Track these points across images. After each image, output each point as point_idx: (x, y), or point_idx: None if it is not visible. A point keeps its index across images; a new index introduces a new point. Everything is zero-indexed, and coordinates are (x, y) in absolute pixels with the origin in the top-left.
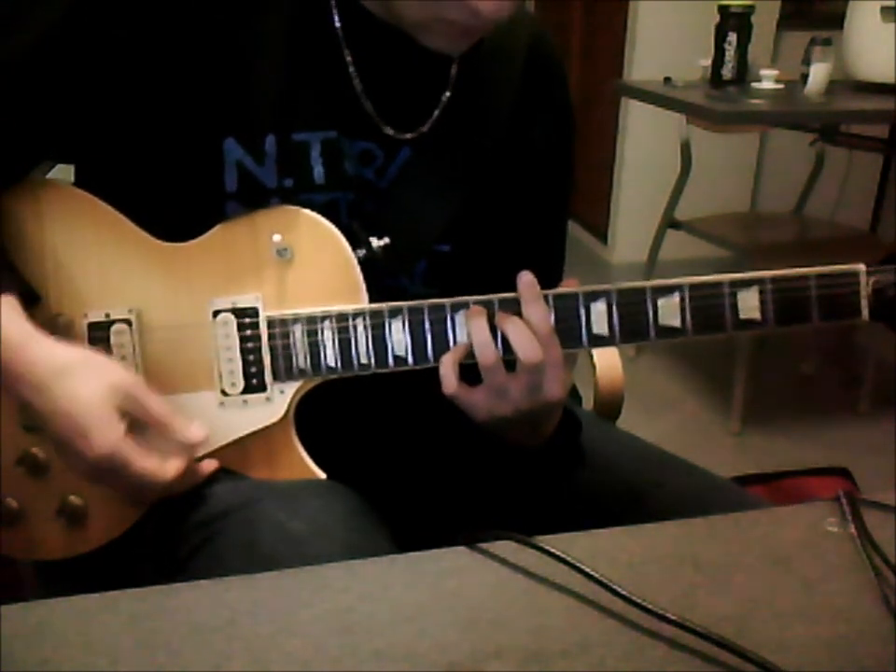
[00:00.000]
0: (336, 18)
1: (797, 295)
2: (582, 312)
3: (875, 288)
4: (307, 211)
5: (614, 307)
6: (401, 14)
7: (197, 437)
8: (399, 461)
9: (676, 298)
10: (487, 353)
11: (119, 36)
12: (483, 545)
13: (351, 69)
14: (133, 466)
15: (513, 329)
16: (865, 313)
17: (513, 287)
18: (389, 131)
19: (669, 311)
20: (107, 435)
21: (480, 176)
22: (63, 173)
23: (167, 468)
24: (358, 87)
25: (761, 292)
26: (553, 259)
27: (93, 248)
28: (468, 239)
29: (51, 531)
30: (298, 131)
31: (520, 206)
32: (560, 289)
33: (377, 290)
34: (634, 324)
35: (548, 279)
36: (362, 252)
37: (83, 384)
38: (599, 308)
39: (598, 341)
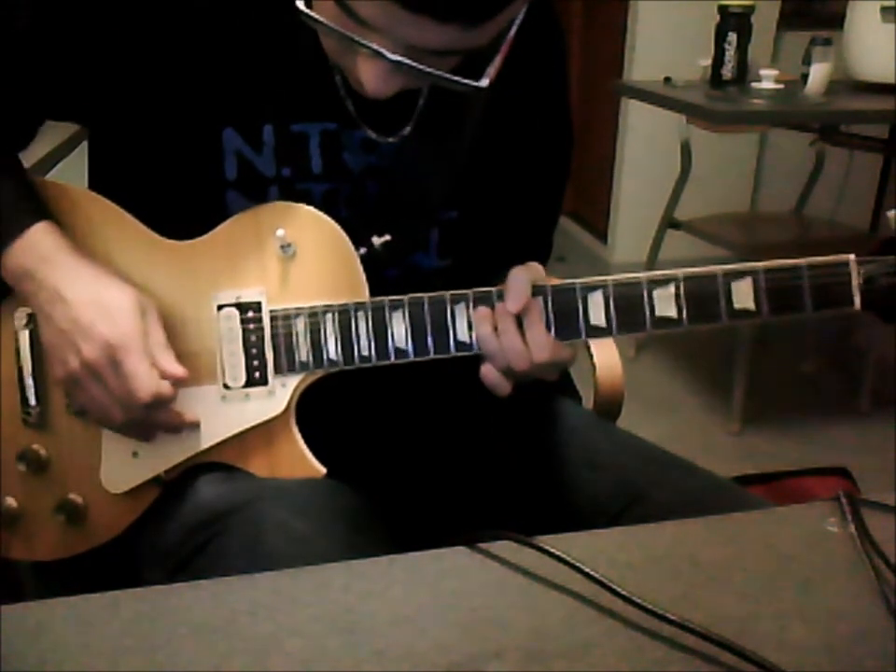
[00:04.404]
0: None
1: (789, 284)
2: (580, 304)
3: (866, 278)
4: (310, 208)
5: (611, 298)
6: None
7: (177, 371)
8: (400, 460)
9: (671, 288)
10: (489, 344)
11: (117, 28)
12: (483, 545)
13: (336, 71)
14: (134, 359)
15: (507, 338)
16: (857, 302)
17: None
18: (372, 134)
19: (665, 301)
20: (130, 323)
21: (477, 146)
22: (69, 171)
23: (156, 381)
24: (341, 87)
25: (754, 282)
26: (551, 217)
27: (99, 245)
28: (473, 204)
29: (51, 529)
30: (296, 121)
31: (521, 167)
32: (558, 281)
33: (394, 268)
34: (630, 315)
35: (542, 243)
36: (364, 250)
37: (116, 285)
38: (596, 300)
39: (596, 332)
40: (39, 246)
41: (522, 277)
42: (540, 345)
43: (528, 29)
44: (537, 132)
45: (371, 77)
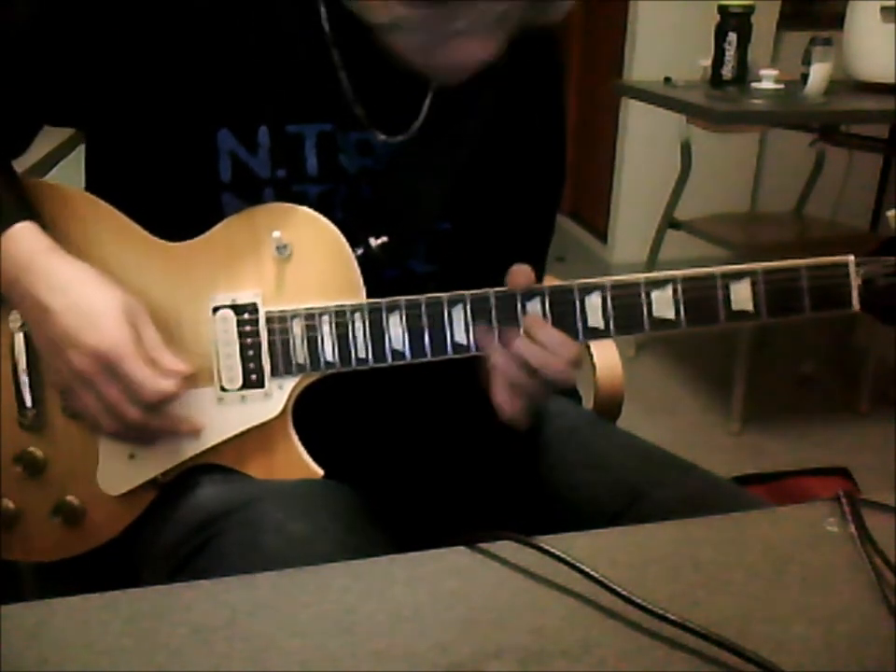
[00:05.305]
0: (324, 19)
1: (788, 286)
2: (578, 305)
3: (865, 279)
4: (307, 209)
5: (609, 300)
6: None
7: (180, 367)
8: (399, 460)
9: (669, 290)
10: (500, 358)
11: (113, 28)
12: (483, 545)
13: (341, 72)
14: (130, 364)
15: (523, 343)
16: (856, 303)
17: (511, 262)
18: (381, 136)
19: (663, 303)
20: (116, 329)
21: (472, 156)
22: (68, 172)
23: (161, 380)
24: (348, 88)
25: (752, 283)
26: (546, 233)
27: (94, 246)
28: (466, 217)
29: (48, 531)
30: (292, 123)
31: (515, 186)
32: (556, 283)
33: (392, 270)
34: (628, 316)
35: (538, 252)
36: (360, 251)
37: (99, 289)
38: (594, 301)
39: (594, 333)
40: (16, 253)
41: (524, 267)
42: (564, 343)
43: (527, 52)
44: (532, 153)
45: (474, 50)
